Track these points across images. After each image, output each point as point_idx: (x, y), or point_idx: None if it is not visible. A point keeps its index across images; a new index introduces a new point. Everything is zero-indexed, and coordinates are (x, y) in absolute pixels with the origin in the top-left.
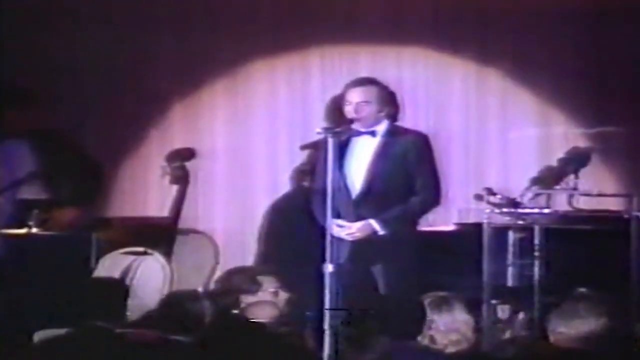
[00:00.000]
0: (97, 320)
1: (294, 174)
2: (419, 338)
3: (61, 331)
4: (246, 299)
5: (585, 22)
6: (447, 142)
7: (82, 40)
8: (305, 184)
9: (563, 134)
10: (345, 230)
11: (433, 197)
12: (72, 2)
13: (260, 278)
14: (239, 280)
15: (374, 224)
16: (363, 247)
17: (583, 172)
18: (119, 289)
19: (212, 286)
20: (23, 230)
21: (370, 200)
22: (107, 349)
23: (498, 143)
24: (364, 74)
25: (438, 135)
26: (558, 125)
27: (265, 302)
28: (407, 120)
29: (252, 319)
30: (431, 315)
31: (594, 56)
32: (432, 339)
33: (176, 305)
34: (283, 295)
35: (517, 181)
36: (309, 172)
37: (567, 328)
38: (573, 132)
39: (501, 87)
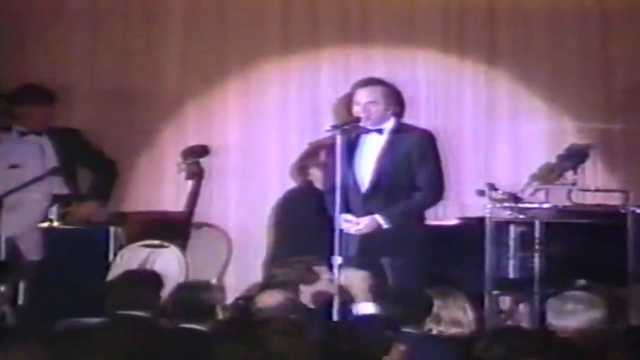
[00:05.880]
0: (132, 310)
1: (295, 166)
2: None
3: (91, 320)
4: (304, 289)
5: (588, 21)
6: (457, 139)
7: (99, 40)
8: (310, 178)
9: (566, 131)
10: (353, 225)
11: (435, 192)
12: (89, 2)
13: (316, 268)
14: (299, 271)
15: (379, 218)
16: (371, 240)
17: (581, 168)
18: (153, 280)
19: (233, 277)
20: (45, 224)
21: (378, 196)
22: (141, 337)
23: (506, 140)
24: (374, 74)
25: (448, 133)
26: (562, 122)
27: (322, 290)
28: (418, 118)
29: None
30: (437, 300)
31: (597, 55)
32: (437, 319)
33: (188, 295)
34: (337, 281)
35: (525, 176)
36: (311, 164)
37: (557, 320)
38: (574, 129)
39: (509, 86)
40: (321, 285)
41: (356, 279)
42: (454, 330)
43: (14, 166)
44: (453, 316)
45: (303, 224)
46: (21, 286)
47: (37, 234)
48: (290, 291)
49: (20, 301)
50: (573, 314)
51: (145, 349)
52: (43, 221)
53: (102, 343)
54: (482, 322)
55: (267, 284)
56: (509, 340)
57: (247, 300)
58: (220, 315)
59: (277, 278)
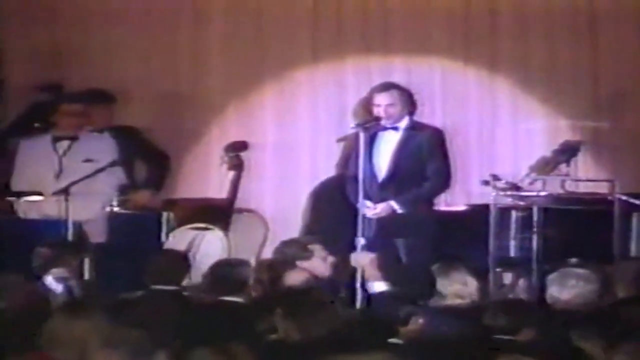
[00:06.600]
0: (165, 284)
1: (339, 162)
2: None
3: (137, 294)
4: (301, 264)
5: (579, 29)
6: (464, 135)
7: (152, 48)
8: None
9: (560, 129)
10: (371, 210)
11: (443, 182)
12: (143, 12)
13: (310, 247)
14: (294, 250)
15: (394, 204)
16: (387, 223)
17: (574, 161)
18: (183, 259)
19: (270, 256)
20: (107, 209)
21: (393, 184)
22: (172, 308)
23: (507, 136)
24: (391, 79)
25: (456, 130)
26: (556, 121)
27: (317, 266)
28: (430, 117)
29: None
30: (439, 276)
31: (588, 61)
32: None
33: (225, 271)
34: (331, 259)
35: (524, 168)
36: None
37: (559, 294)
38: (567, 127)
39: (509, 89)
40: (315, 262)
41: (365, 261)
42: (458, 301)
43: (88, 160)
44: (456, 290)
45: (333, 210)
46: (86, 263)
47: (104, 219)
48: (289, 267)
49: (85, 276)
50: (574, 289)
51: (182, 319)
52: (104, 207)
53: (143, 314)
54: (486, 295)
55: (272, 261)
56: (513, 311)
57: (276, 276)
58: (253, 289)
59: (278, 255)
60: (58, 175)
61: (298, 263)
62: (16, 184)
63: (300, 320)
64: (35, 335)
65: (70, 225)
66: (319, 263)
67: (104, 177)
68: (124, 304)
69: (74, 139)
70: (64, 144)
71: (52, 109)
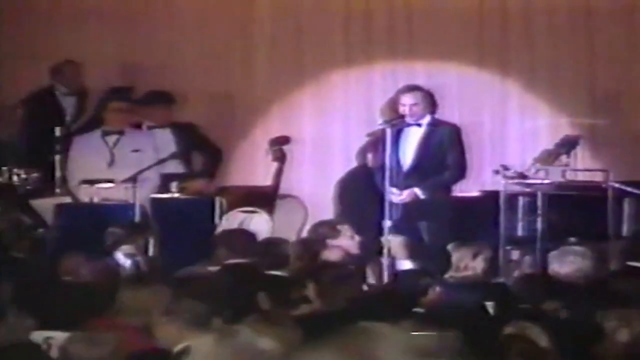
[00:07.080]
0: (235, 258)
1: (358, 152)
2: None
3: (205, 269)
4: (331, 242)
5: (578, 35)
6: (479, 131)
7: (204, 54)
8: (367, 162)
9: (561, 125)
10: (397, 196)
11: (460, 172)
12: (194, 22)
13: (339, 227)
14: (325, 230)
15: (417, 191)
16: (411, 208)
17: (573, 154)
18: (250, 236)
19: (305, 235)
20: (167, 195)
21: (416, 174)
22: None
23: (516, 131)
24: (414, 82)
25: (473, 126)
26: (558, 118)
27: (345, 244)
28: (449, 115)
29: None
30: (454, 253)
31: (586, 66)
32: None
33: (266, 248)
34: (357, 238)
35: (530, 159)
36: (370, 151)
37: (560, 268)
38: (567, 124)
39: (517, 91)
40: (342, 240)
41: (395, 243)
42: (466, 273)
43: (135, 150)
44: (466, 264)
45: (360, 196)
46: (151, 241)
47: (167, 204)
48: (320, 245)
49: (150, 252)
50: (573, 264)
51: (240, 290)
52: (160, 193)
53: (201, 286)
54: (496, 269)
55: (305, 240)
56: (538, 284)
57: (313, 253)
58: (294, 264)
59: (312, 235)
60: (110, 164)
61: (328, 241)
62: (71, 173)
63: (329, 291)
64: (107, 304)
65: (137, 209)
66: (347, 241)
67: (157, 169)
68: (184, 278)
69: (120, 133)
70: (113, 137)
71: (102, 107)
